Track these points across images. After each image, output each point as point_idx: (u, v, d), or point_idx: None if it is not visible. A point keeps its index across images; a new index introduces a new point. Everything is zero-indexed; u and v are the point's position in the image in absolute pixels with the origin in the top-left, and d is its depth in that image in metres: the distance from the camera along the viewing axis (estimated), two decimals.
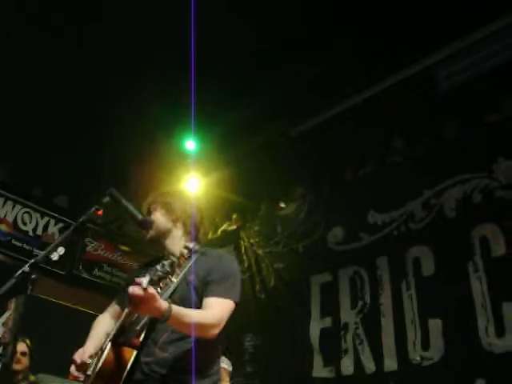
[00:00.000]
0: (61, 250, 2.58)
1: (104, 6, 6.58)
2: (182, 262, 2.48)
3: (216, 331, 2.73)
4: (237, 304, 2.86)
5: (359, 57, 6.55)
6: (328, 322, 6.98)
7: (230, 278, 2.88)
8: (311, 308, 7.21)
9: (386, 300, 6.45)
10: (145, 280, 2.32)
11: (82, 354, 2.83)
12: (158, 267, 2.45)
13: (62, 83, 7.60)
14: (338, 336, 6.75)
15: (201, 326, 2.66)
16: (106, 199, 2.78)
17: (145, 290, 2.32)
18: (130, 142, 8.46)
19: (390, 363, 6.11)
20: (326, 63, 6.48)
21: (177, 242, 3.04)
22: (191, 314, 2.65)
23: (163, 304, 2.48)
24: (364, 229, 6.91)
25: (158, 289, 2.46)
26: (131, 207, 2.80)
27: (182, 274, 2.71)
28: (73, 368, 2.81)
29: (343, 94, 7.12)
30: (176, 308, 2.55)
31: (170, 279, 2.48)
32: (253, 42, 6.64)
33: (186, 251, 2.55)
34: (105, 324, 3.09)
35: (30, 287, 2.46)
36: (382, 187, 6.94)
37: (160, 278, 2.43)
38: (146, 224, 2.90)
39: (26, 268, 2.45)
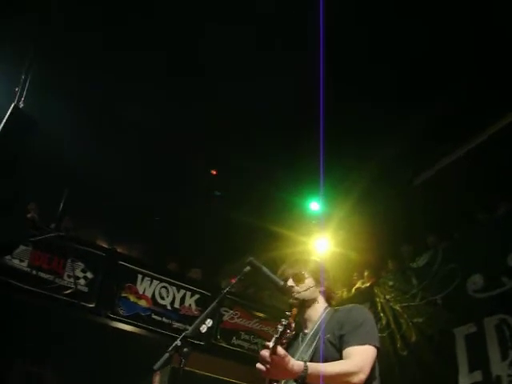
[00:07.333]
0: (209, 322, 2.64)
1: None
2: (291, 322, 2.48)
3: (361, 377, 2.62)
4: (378, 348, 2.76)
5: (483, 93, 6.43)
6: (478, 376, 6.57)
7: (363, 325, 2.80)
8: (458, 362, 6.84)
9: None
10: (271, 343, 2.33)
11: None
12: (280, 328, 2.45)
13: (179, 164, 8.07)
14: None
15: (343, 376, 2.60)
16: (247, 268, 2.82)
17: (273, 352, 2.31)
18: (252, 209, 8.70)
19: None
20: (450, 104, 6.42)
21: (317, 310, 3.02)
22: (331, 367, 2.60)
23: (296, 365, 2.45)
24: (505, 273, 6.53)
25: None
26: (272, 274, 2.83)
27: (312, 333, 2.80)
28: None
29: (468, 134, 6.97)
30: (312, 366, 2.52)
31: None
32: (376, 101, 6.73)
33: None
34: None
35: (184, 361, 2.52)
36: None
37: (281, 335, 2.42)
38: (288, 290, 2.91)
39: (178, 342, 2.51)
